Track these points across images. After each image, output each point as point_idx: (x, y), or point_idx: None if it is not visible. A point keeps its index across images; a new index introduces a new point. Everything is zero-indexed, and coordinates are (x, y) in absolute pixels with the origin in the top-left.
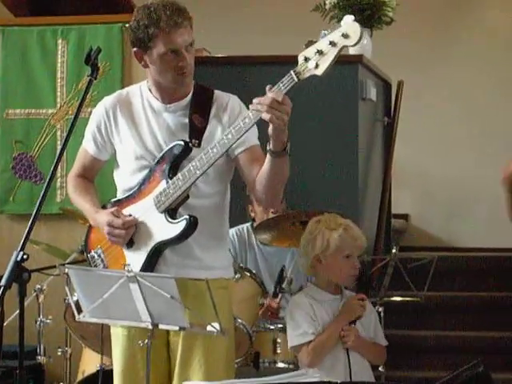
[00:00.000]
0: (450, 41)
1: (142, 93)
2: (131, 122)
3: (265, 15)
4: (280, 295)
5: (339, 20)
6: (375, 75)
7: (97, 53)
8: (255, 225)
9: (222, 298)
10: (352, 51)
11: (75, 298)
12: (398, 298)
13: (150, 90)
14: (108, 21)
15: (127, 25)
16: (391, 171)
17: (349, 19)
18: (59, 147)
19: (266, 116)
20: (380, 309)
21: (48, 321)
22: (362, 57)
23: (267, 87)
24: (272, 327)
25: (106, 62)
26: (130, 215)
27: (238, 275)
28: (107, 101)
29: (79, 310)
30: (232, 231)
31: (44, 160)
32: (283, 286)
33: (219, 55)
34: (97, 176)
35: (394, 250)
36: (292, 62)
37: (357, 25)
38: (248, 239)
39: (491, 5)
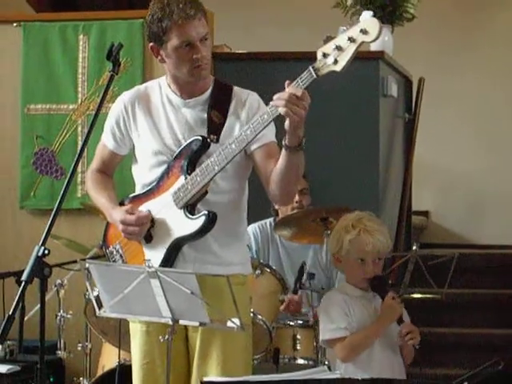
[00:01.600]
0: (471, 39)
1: (161, 88)
2: (150, 118)
3: (285, 11)
4: (300, 291)
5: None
6: (396, 72)
7: (118, 48)
8: (276, 221)
9: (239, 293)
10: (373, 47)
11: (95, 294)
12: (419, 295)
13: (168, 86)
14: (129, 16)
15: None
16: (412, 168)
17: (367, 15)
18: (80, 142)
19: (282, 110)
20: None
21: (68, 316)
22: (383, 53)
23: (286, 83)
24: (292, 323)
25: (126, 57)
26: (149, 211)
27: (258, 271)
28: (126, 96)
29: (100, 305)
30: (255, 226)
31: (65, 155)
32: (303, 282)
33: (240, 51)
34: (116, 171)
35: (414, 247)
36: (312, 57)
37: (376, 21)
38: (271, 234)
39: None
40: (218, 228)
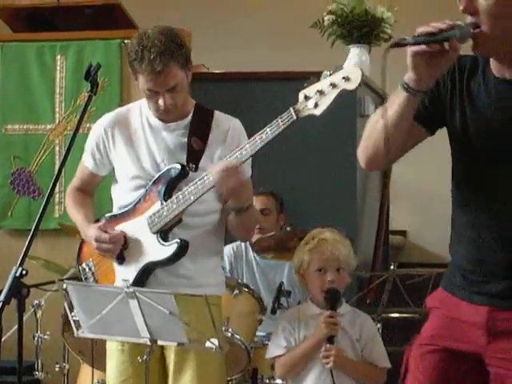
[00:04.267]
0: None
1: (142, 111)
2: (129, 142)
3: (264, 31)
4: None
5: (337, 37)
6: (373, 92)
7: (96, 69)
8: (254, 246)
9: (214, 314)
10: None
11: (74, 314)
12: (397, 315)
13: (149, 108)
14: (107, 37)
15: (126, 41)
16: (389, 188)
17: (351, 64)
18: (58, 163)
19: (212, 181)
20: (378, 325)
21: (46, 336)
22: None
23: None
24: None
25: (104, 77)
26: (122, 232)
27: (236, 291)
28: (106, 119)
29: (78, 326)
30: (229, 247)
31: (42, 175)
32: (281, 302)
33: (217, 71)
34: (96, 190)
35: (392, 267)
36: (290, 78)
37: (359, 70)
38: (245, 254)
39: None
40: (195, 250)
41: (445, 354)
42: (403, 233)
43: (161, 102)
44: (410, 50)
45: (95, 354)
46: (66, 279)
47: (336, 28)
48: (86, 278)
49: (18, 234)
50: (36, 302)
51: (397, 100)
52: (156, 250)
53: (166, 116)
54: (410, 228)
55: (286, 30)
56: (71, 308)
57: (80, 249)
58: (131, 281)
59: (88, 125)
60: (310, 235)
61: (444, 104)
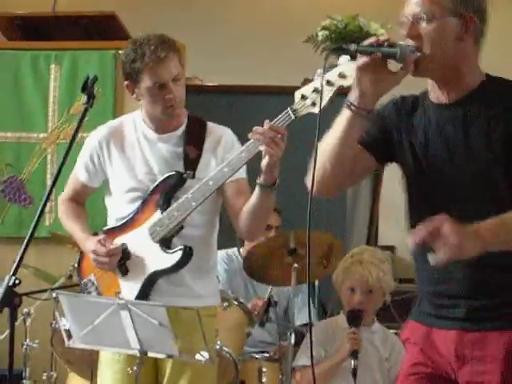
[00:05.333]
0: None
1: (136, 123)
2: (124, 154)
3: (257, 45)
4: (267, 324)
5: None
6: None
7: (93, 81)
8: (242, 252)
9: (209, 325)
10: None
11: (64, 323)
12: None
13: (143, 120)
14: (101, 47)
15: (120, 52)
16: (379, 203)
17: (345, 59)
18: (49, 171)
19: (263, 148)
20: None
21: (34, 345)
22: None
23: (266, 121)
24: (257, 356)
25: (98, 88)
26: (124, 244)
27: (225, 303)
28: (101, 132)
29: (68, 336)
30: (221, 254)
31: (34, 184)
32: (270, 315)
33: (210, 84)
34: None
35: None
36: (282, 92)
37: (354, 65)
38: (238, 265)
39: None
40: (192, 261)
41: (431, 379)
42: (391, 248)
43: (169, 95)
44: (356, 64)
45: (82, 363)
46: (58, 288)
47: (330, 43)
48: (89, 293)
49: (8, 241)
50: (26, 310)
51: (340, 120)
52: (160, 259)
53: (172, 113)
54: (399, 244)
55: (279, 43)
56: (61, 317)
57: (80, 263)
58: (136, 292)
59: (80, 134)
60: (350, 253)
61: (390, 136)
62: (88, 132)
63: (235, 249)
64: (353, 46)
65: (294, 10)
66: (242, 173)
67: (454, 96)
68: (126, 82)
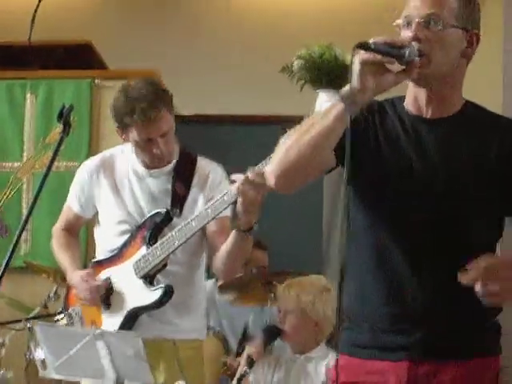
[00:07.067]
0: None
1: (125, 156)
2: (114, 187)
3: (235, 75)
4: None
5: (306, 82)
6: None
7: (69, 110)
8: (218, 284)
9: (194, 357)
10: None
11: (38, 353)
12: None
13: (135, 153)
14: (77, 76)
15: (96, 81)
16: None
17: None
18: (25, 200)
19: (234, 189)
20: None
21: (9, 376)
22: None
23: (250, 169)
24: None
25: (73, 117)
26: (108, 278)
27: None
28: (91, 163)
29: (43, 366)
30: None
31: (9, 213)
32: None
33: (185, 113)
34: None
35: None
36: (262, 121)
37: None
38: (212, 295)
39: None
40: (177, 296)
41: None
42: None
43: (156, 150)
44: (361, 57)
45: None
46: (32, 318)
47: (305, 73)
48: (72, 324)
49: None
50: (0, 340)
51: (329, 114)
52: (141, 295)
53: (160, 163)
54: None
55: (257, 72)
56: (37, 347)
57: (67, 293)
58: (117, 326)
59: (56, 163)
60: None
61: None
62: (64, 161)
63: (210, 281)
64: (372, 45)
65: (269, 40)
66: (226, 211)
67: (437, 113)
68: (116, 125)
